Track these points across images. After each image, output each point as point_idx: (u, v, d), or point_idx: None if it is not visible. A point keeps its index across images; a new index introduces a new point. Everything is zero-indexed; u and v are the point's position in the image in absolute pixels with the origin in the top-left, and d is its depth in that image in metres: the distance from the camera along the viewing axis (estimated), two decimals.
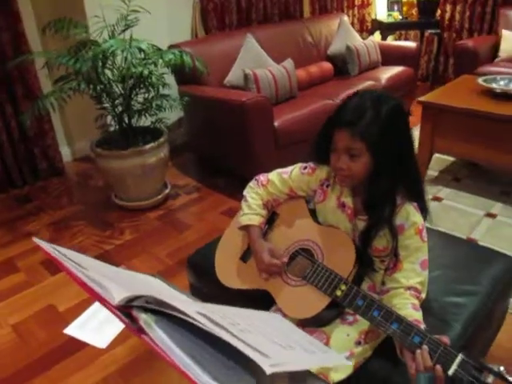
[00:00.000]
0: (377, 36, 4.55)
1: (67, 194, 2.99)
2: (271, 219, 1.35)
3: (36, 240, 0.85)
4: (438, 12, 4.67)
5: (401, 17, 4.49)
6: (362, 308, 1.05)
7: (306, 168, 1.30)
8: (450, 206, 2.57)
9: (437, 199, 2.67)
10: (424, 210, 1.18)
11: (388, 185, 1.11)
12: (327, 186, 1.26)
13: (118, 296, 0.57)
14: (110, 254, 2.34)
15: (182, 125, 3.49)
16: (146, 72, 2.20)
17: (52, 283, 2.13)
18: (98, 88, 2.31)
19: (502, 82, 2.71)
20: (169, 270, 2.20)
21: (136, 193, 2.70)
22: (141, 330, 0.54)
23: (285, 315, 1.17)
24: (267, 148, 2.75)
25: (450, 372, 0.89)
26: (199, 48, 3.00)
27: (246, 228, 1.32)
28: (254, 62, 3.10)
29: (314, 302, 1.13)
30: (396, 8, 4.47)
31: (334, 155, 1.13)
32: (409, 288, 1.12)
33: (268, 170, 2.79)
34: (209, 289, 1.58)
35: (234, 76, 3.05)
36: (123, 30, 2.47)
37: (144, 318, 0.53)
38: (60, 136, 3.28)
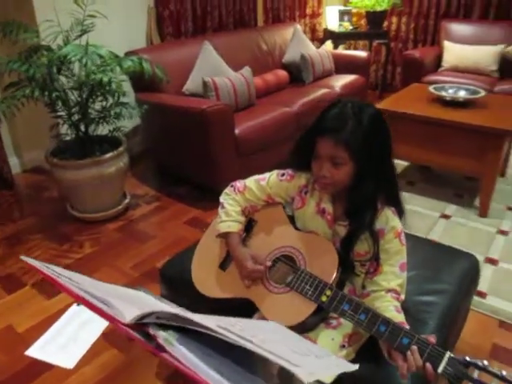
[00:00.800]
0: (328, 45, 4.67)
1: (19, 207, 2.84)
2: (249, 226, 1.34)
3: (24, 258, 0.80)
4: (386, 23, 4.87)
5: (351, 27, 4.64)
6: (348, 312, 1.06)
7: (283, 175, 1.31)
8: (406, 209, 2.66)
9: None
10: (401, 214, 1.22)
11: (370, 191, 1.13)
12: (306, 193, 1.27)
13: (128, 314, 0.55)
14: (70, 268, 2.23)
15: (138, 133, 3.41)
16: (105, 79, 2.13)
17: (8, 302, 2.00)
18: (54, 95, 2.21)
19: (450, 91, 2.86)
20: (134, 282, 2.13)
21: (94, 204, 2.60)
22: (159, 348, 0.51)
23: None
24: (228, 156, 2.74)
25: (440, 369, 0.92)
26: (156, 55, 2.95)
27: (224, 235, 1.30)
28: (212, 69, 3.08)
29: (300, 308, 1.13)
30: (346, 18, 4.61)
31: (316, 163, 1.14)
32: (389, 290, 1.16)
33: (229, 178, 2.77)
34: (185, 301, 1.54)
35: (192, 84, 3.02)
36: (79, 36, 2.39)
37: (164, 336, 0.51)
38: (8, 146, 3.11)
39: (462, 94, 2.82)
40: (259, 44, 3.81)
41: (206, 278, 1.33)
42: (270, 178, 1.32)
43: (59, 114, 2.43)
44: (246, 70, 3.22)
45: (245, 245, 1.30)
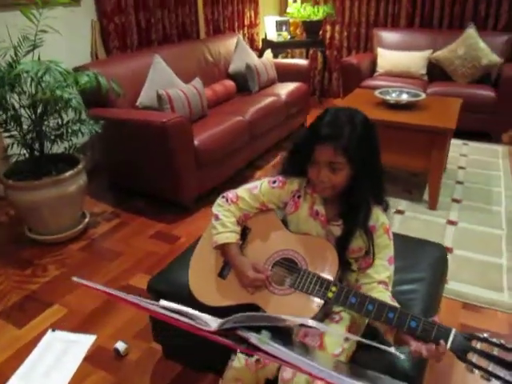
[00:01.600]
0: (268, 54, 4.81)
1: None
2: (243, 234, 1.39)
3: (77, 280, 0.78)
4: (321, 32, 5.09)
5: (289, 36, 4.80)
6: (356, 304, 1.13)
7: (275, 182, 1.36)
8: None
9: None
10: (386, 210, 1.31)
11: (366, 191, 1.22)
12: (298, 197, 1.33)
13: (212, 323, 0.58)
14: (39, 293, 2.14)
15: (87, 150, 3.31)
16: (66, 95, 2.07)
17: None
18: (8, 114, 2.12)
19: (393, 94, 3.07)
20: (109, 302, 2.07)
21: (54, 225, 2.51)
22: (252, 347, 0.55)
23: None
24: (189, 168, 2.75)
25: (449, 345, 1.01)
26: (106, 69, 2.88)
27: (222, 246, 1.33)
28: (163, 82, 3.08)
29: (307, 306, 1.19)
30: (284, 28, 4.77)
31: (313, 168, 1.20)
32: (380, 282, 1.24)
33: (191, 189, 2.82)
34: None
35: (146, 97, 3.00)
36: (28, 51, 2.30)
37: (257, 337, 0.55)
38: None
39: (405, 97, 3.04)
40: (205, 55, 3.85)
41: (205, 287, 1.35)
42: (262, 186, 1.37)
43: (12, 133, 2.32)
44: (197, 82, 3.25)
45: (241, 253, 1.34)
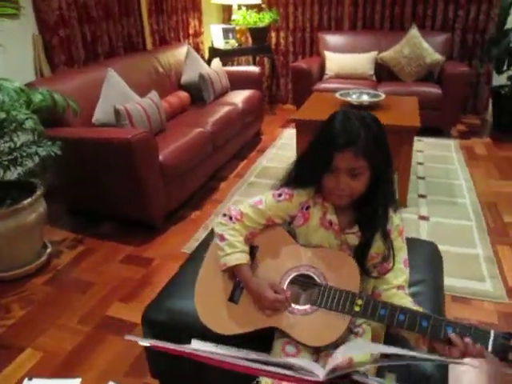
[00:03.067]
0: (217, 62, 4.72)
1: None
2: (251, 253, 1.29)
3: (129, 337, 0.66)
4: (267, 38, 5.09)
5: (237, 44, 4.75)
6: (386, 316, 1.08)
7: (280, 195, 1.28)
8: None
9: None
10: (395, 211, 1.27)
11: (385, 194, 1.17)
12: (307, 208, 1.26)
13: (317, 370, 0.49)
14: (6, 338, 1.91)
15: (40, 172, 3.06)
16: (22, 116, 1.88)
17: None
18: None
19: (354, 96, 3.09)
20: (90, 338, 1.90)
21: (13, 259, 2.28)
22: None
23: (305, 345, 1.14)
24: (156, 185, 2.61)
25: (490, 348, 0.98)
26: (56, 86, 2.64)
27: (232, 268, 1.23)
28: (119, 96, 2.91)
29: (334, 324, 1.12)
30: (231, 36, 4.72)
31: (331, 177, 1.14)
32: (398, 287, 1.21)
33: (159, 207, 2.68)
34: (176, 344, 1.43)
35: (102, 113, 2.82)
36: None
37: (379, 381, 0.47)
38: None
39: (365, 98, 3.07)
40: (155, 67, 3.71)
41: (217, 315, 1.24)
42: (267, 200, 1.28)
43: None
44: (154, 95, 3.11)
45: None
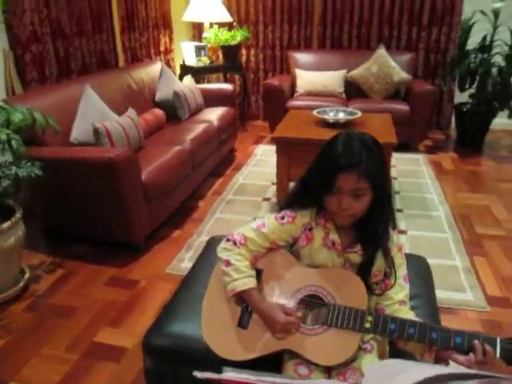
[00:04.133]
0: (188, 80, 4.73)
1: None
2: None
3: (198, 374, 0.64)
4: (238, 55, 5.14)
5: (209, 61, 4.77)
6: (396, 330, 1.11)
7: (283, 218, 1.29)
8: None
9: None
10: (393, 230, 1.31)
11: (386, 214, 1.21)
12: (310, 230, 1.28)
13: None
14: None
15: (12, 193, 2.94)
16: (3, 136, 1.81)
17: None
18: None
19: (331, 114, 3.16)
20: (78, 366, 1.83)
21: None
22: None
23: (316, 365, 1.14)
24: (138, 204, 2.56)
25: (498, 354, 1.01)
26: (30, 104, 2.56)
27: (240, 294, 1.23)
28: (96, 115, 2.85)
29: (346, 342, 1.14)
30: (203, 53, 4.73)
31: (334, 198, 1.17)
32: (400, 302, 1.25)
33: (142, 228, 2.63)
34: (179, 371, 1.40)
35: (80, 132, 2.76)
36: None
37: None
38: None
39: (342, 115, 3.15)
40: (130, 84, 3.66)
41: (227, 342, 1.22)
42: (269, 223, 1.29)
43: None
44: (132, 112, 3.07)
45: None
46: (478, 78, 4.16)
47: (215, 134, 3.73)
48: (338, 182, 1.14)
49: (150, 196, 2.66)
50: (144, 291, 2.33)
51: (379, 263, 1.24)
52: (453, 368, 0.64)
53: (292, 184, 3.29)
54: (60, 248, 2.72)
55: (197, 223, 3.04)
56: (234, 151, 4.47)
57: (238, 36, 4.73)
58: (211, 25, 4.87)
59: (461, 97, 4.62)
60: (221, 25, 4.91)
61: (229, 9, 4.99)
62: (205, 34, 4.89)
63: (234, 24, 5.09)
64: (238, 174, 3.88)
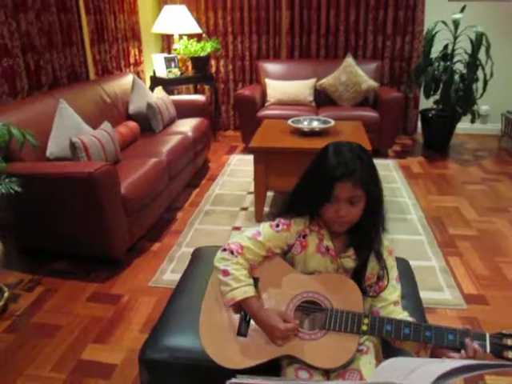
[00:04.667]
0: (157, 92, 4.71)
1: None
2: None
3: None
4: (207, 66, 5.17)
5: (179, 72, 4.78)
6: (392, 331, 1.15)
7: (278, 226, 1.33)
8: None
9: None
10: (384, 232, 1.37)
11: (379, 218, 1.26)
12: (304, 237, 1.32)
13: None
14: None
15: None
16: None
17: None
18: None
19: (305, 123, 3.23)
20: (72, 381, 1.80)
21: None
22: None
23: (316, 369, 1.18)
24: (118, 218, 2.54)
25: (488, 349, 1.07)
26: (3, 119, 2.54)
27: (239, 303, 1.25)
28: (72, 129, 2.82)
29: (345, 345, 1.18)
30: (173, 65, 4.74)
31: (331, 206, 1.22)
32: (394, 303, 1.30)
33: (122, 242, 2.61)
34: (182, 382, 1.40)
35: (55, 147, 2.71)
36: None
37: None
38: None
39: (316, 124, 3.22)
40: (102, 97, 3.63)
41: (228, 351, 1.24)
42: (265, 231, 1.32)
43: None
44: (107, 125, 3.04)
45: None
46: (441, 85, 4.34)
47: (190, 145, 3.74)
48: (334, 191, 1.19)
49: (130, 209, 2.64)
50: (128, 305, 2.30)
51: (372, 266, 1.29)
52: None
53: (270, 193, 3.34)
54: (39, 265, 2.66)
55: (176, 235, 3.03)
56: (207, 162, 4.49)
57: (207, 47, 4.76)
58: (181, 36, 4.88)
59: (426, 103, 4.81)
60: (190, 36, 4.93)
61: (198, 20, 5.03)
62: (175, 46, 4.90)
63: (204, 35, 5.12)
64: (214, 185, 3.89)
